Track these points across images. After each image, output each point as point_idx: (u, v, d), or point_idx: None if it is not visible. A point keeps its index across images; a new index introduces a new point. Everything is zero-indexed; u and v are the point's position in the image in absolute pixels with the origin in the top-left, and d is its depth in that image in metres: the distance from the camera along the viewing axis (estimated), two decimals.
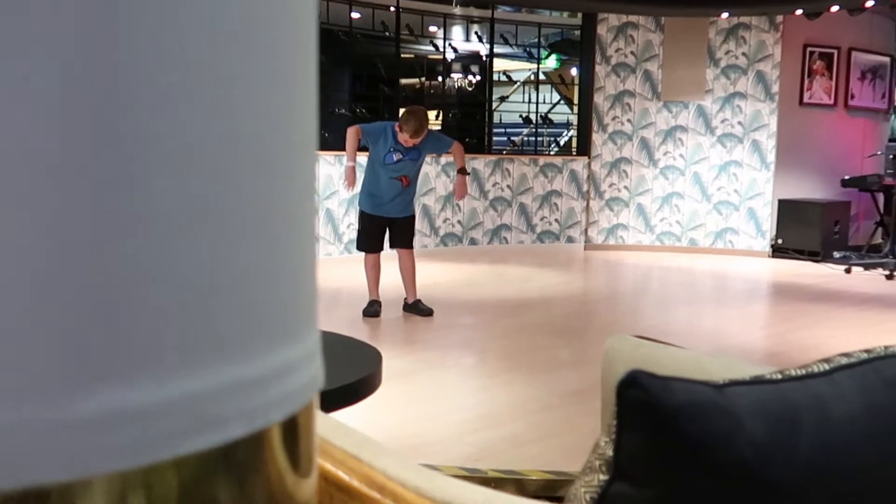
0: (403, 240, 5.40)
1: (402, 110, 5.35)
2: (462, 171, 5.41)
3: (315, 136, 0.42)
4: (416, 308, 5.49)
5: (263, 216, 0.38)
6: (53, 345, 0.32)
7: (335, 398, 1.52)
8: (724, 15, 8.62)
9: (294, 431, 0.41)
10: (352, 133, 5.26)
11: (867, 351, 0.88)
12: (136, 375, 0.34)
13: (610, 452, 0.72)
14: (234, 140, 0.36)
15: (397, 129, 5.14)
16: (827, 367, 0.83)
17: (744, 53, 8.86)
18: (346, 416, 1.80)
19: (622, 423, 0.69)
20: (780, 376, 0.80)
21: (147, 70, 0.32)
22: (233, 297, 0.37)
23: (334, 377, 1.63)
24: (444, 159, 8.35)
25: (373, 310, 5.33)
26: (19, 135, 0.30)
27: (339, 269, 7.17)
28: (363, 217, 5.34)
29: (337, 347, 1.92)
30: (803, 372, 0.81)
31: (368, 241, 5.33)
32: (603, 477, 0.72)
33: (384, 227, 5.32)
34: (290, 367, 0.40)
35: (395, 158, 5.18)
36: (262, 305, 0.39)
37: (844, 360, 0.85)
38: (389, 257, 5.57)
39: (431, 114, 11.53)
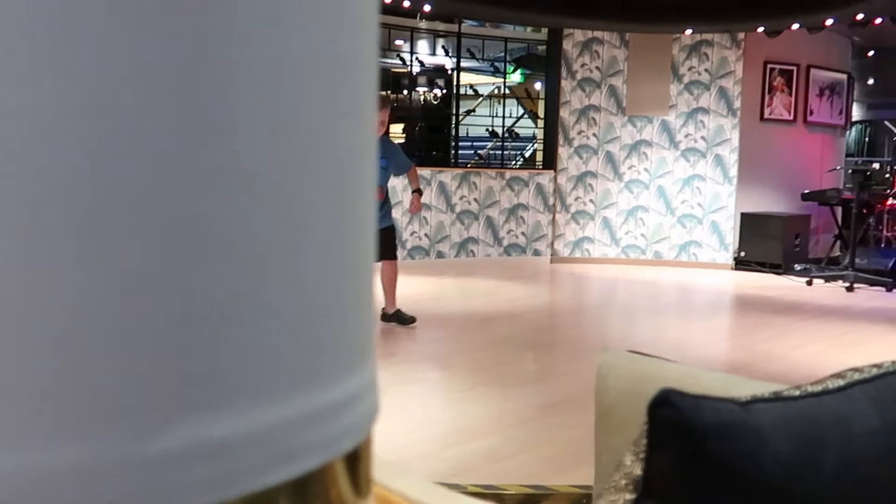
0: (384, 251, 5.41)
1: None
2: (417, 191, 5.58)
3: (374, 167, 0.41)
4: (397, 318, 5.48)
5: (338, 245, 0.37)
6: (133, 377, 0.30)
7: None
8: (688, 32, 8.75)
9: (357, 457, 0.40)
10: None
11: (877, 366, 0.89)
12: (216, 409, 0.32)
13: (637, 471, 0.70)
14: (317, 174, 0.35)
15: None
16: (841, 382, 0.83)
17: (706, 69, 8.99)
18: None
19: (653, 443, 0.68)
20: (797, 392, 0.80)
21: (248, 110, 0.31)
22: (308, 327, 0.36)
23: None
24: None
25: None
26: (123, 171, 0.28)
27: None
28: None
29: None
30: (820, 388, 0.81)
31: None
32: (629, 496, 0.71)
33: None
34: (358, 395, 0.39)
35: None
36: (334, 334, 0.37)
37: (857, 376, 0.85)
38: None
39: (397, 127, 11.53)
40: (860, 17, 7.60)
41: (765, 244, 8.79)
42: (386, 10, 8.34)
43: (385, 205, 5.36)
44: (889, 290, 7.77)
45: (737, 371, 4.80)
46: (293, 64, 0.34)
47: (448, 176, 8.64)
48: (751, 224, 8.91)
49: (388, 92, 5.12)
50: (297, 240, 0.35)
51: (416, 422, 3.52)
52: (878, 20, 7.87)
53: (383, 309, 5.54)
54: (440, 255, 8.65)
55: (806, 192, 9.16)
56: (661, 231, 9.14)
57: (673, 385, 1.31)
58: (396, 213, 8.04)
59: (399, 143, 11.40)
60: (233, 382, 0.33)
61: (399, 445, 3.18)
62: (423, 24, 9.31)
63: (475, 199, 8.80)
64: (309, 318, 0.35)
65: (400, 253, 8.27)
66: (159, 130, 0.29)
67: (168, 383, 0.31)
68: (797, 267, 8.74)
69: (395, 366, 4.62)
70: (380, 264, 5.44)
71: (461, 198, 8.72)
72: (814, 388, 0.83)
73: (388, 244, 5.43)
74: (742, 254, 8.96)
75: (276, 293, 0.34)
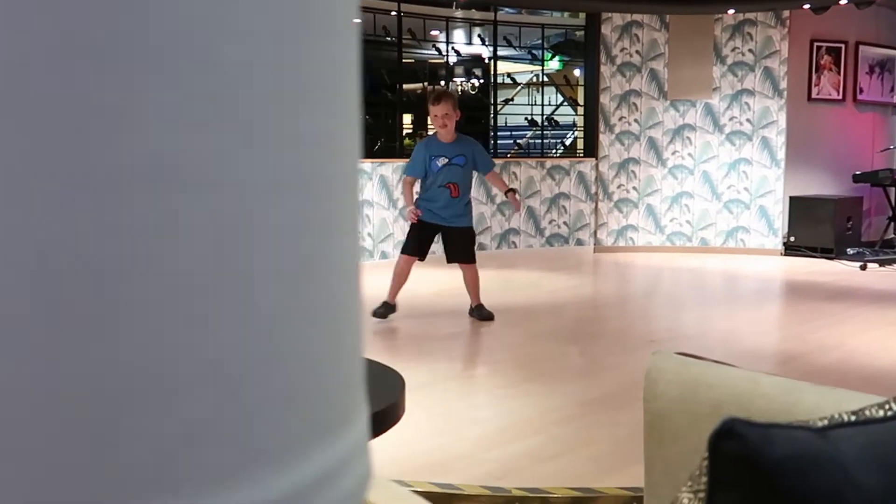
0: (462, 255, 5.36)
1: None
2: (511, 190, 5.52)
3: (357, 205, 0.35)
4: (477, 312, 5.45)
5: (300, 286, 0.29)
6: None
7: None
8: (730, 11, 8.51)
9: None
10: (405, 184, 5.38)
11: None
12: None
13: None
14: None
15: (431, 119, 5.19)
16: None
17: (750, 50, 8.75)
18: None
19: (716, 481, 0.58)
20: (882, 413, 0.69)
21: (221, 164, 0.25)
22: (254, 395, 0.27)
23: None
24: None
25: (380, 311, 5.25)
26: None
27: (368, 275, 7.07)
28: (414, 224, 5.30)
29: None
30: None
31: (411, 243, 5.31)
32: None
33: (432, 235, 5.29)
34: (339, 467, 0.30)
35: (439, 164, 5.19)
36: (298, 397, 0.29)
37: None
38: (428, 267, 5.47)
39: None
40: None
41: (815, 228, 8.53)
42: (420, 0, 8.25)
43: (459, 204, 5.27)
44: None
45: (789, 363, 4.63)
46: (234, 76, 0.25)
47: None
48: (800, 208, 8.66)
49: (440, 86, 5.07)
50: (241, 284, 0.26)
51: (457, 421, 3.44)
52: None
53: (470, 304, 5.49)
54: (481, 247, 8.54)
55: (857, 173, 8.87)
56: (707, 217, 8.93)
57: (727, 392, 1.21)
58: None
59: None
60: (176, 472, 0.25)
61: (443, 445, 3.11)
62: (459, 14, 9.20)
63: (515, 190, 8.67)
64: (257, 384, 0.27)
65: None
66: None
67: (91, 475, 0.22)
68: (850, 251, 8.47)
69: (434, 362, 4.55)
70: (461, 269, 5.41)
71: None
72: None
73: (464, 247, 5.37)
74: (792, 239, 8.71)
75: (215, 356, 0.25)
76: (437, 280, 6.19)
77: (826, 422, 0.64)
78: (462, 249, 5.35)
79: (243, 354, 0.26)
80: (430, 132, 5.33)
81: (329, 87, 0.30)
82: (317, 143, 0.30)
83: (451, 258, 5.41)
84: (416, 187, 5.40)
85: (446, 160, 5.20)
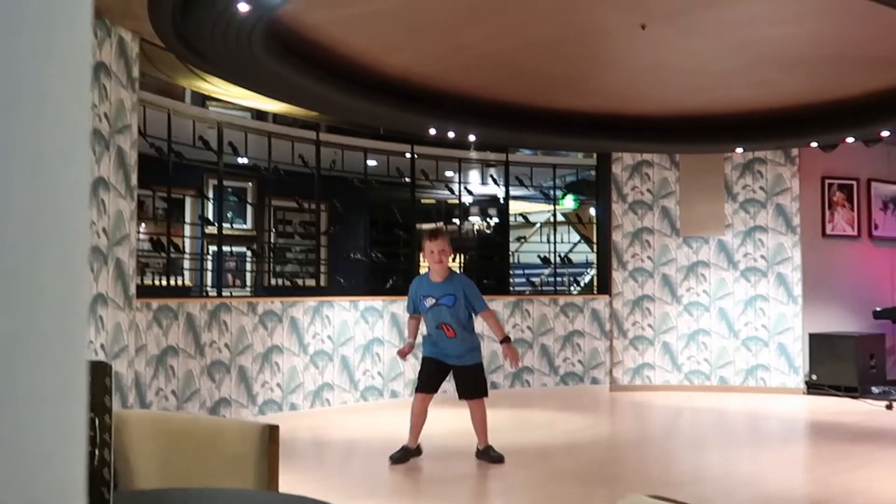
0: (467, 391, 5.28)
1: (421, 257, 5.38)
2: (506, 340, 5.33)
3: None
4: (485, 455, 5.30)
5: None
6: None
7: None
8: (738, 150, 8.64)
9: None
10: (409, 321, 5.38)
11: None
12: None
13: None
14: None
15: (426, 256, 5.15)
16: None
17: (761, 187, 8.82)
18: None
19: None
20: None
21: None
22: None
23: None
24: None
25: (398, 455, 5.12)
26: None
27: (354, 417, 6.93)
28: (422, 360, 5.29)
29: None
30: None
31: (422, 380, 5.24)
32: None
33: (438, 369, 5.20)
34: None
35: (427, 305, 5.13)
36: None
37: None
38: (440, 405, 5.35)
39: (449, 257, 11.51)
40: None
41: (838, 366, 8.32)
42: (434, 142, 8.46)
43: (463, 341, 5.20)
44: None
45: None
46: None
47: (500, 304, 8.49)
48: (821, 345, 8.48)
49: (441, 224, 5.10)
50: None
51: None
52: None
53: (477, 445, 5.34)
54: (494, 385, 8.40)
55: (878, 309, 8.73)
56: (726, 355, 8.76)
57: None
58: None
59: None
60: None
61: None
62: (474, 155, 9.41)
63: (528, 327, 8.60)
64: None
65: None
66: None
67: None
68: (875, 390, 8.22)
69: None
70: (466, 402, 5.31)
71: (514, 326, 8.53)
72: None
73: (470, 383, 5.28)
74: (814, 377, 8.48)
75: None
76: (449, 419, 6.03)
77: None
78: (467, 386, 5.25)
79: None
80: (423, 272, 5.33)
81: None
82: None
83: (460, 394, 5.31)
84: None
85: (433, 301, 5.13)
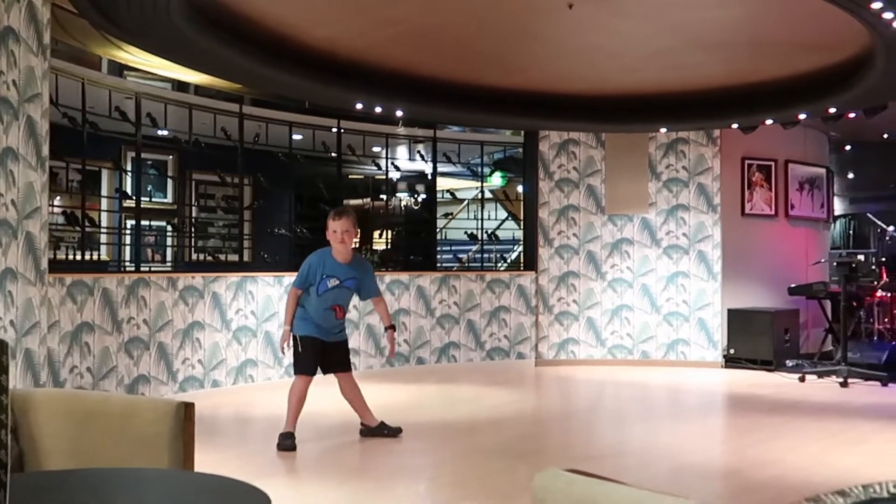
0: (342, 365, 5.17)
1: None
2: (391, 327, 5.21)
3: None
4: (380, 430, 5.22)
5: None
6: None
7: None
8: (662, 130, 8.78)
9: None
10: (291, 296, 5.09)
11: (866, 486, 0.69)
12: None
13: None
14: None
15: (329, 235, 5.00)
16: None
17: (684, 167, 8.99)
18: None
19: None
20: None
21: None
22: None
23: None
24: (388, 277, 8.18)
25: (289, 443, 4.88)
26: None
27: (278, 393, 6.83)
28: (303, 341, 5.02)
29: (219, 496, 1.66)
30: None
31: (305, 362, 5.02)
32: None
33: (321, 349, 5.07)
34: None
35: (329, 285, 4.98)
36: None
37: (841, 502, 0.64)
38: (320, 383, 5.30)
39: (376, 233, 11.46)
40: (832, 110, 7.62)
41: (754, 340, 8.58)
42: (361, 117, 8.36)
43: (340, 323, 5.16)
44: (884, 384, 7.52)
45: (729, 478, 4.52)
46: None
47: (427, 280, 8.48)
48: (738, 320, 8.73)
49: (350, 202, 4.91)
50: None
51: None
52: (852, 114, 7.90)
53: (363, 424, 5.26)
54: (420, 361, 8.40)
55: (792, 286, 9.01)
56: (648, 330, 8.94)
57: None
58: (374, 320, 7.84)
59: (381, 249, 11.35)
60: None
61: None
62: (401, 130, 9.33)
63: (455, 303, 8.62)
64: None
65: (378, 360, 8.04)
66: None
67: None
68: (789, 363, 8.51)
69: (367, 480, 4.34)
70: (338, 379, 5.18)
71: (441, 301, 8.53)
72: None
73: (345, 356, 5.21)
74: (731, 351, 8.73)
75: None
76: (371, 396, 5.98)
77: None
78: (342, 359, 5.15)
79: None
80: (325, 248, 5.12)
81: None
82: None
83: (329, 369, 5.14)
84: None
85: (337, 282, 5.00)
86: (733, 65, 7.00)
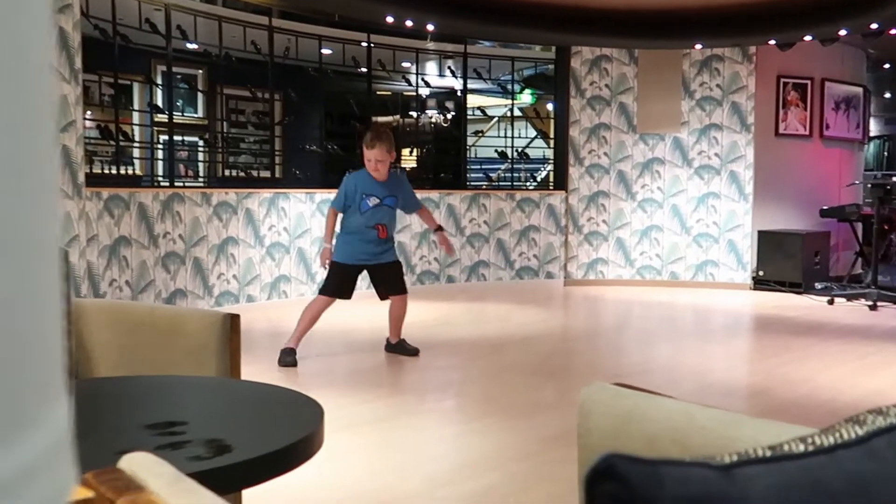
0: (397, 287, 5.15)
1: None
2: (439, 228, 5.29)
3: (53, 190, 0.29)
4: (401, 348, 5.29)
5: None
6: None
7: (265, 465, 1.32)
8: (697, 46, 8.57)
9: None
10: (331, 215, 5.10)
11: None
12: None
13: None
14: None
15: (368, 162, 4.98)
16: (860, 431, 0.64)
17: (718, 85, 8.81)
18: (303, 470, 1.60)
19: None
20: (803, 448, 0.61)
21: None
22: None
23: (267, 440, 1.42)
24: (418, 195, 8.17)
25: (289, 359, 4.93)
26: None
27: None
28: (335, 266, 5.03)
29: (272, 404, 1.71)
30: (832, 441, 0.63)
31: (334, 286, 5.02)
32: None
33: (356, 275, 5.10)
34: (25, 472, 0.25)
35: (370, 204, 4.98)
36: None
37: (880, 421, 0.66)
38: (356, 301, 5.38)
39: (406, 151, 11.42)
40: (874, 26, 7.39)
41: (784, 263, 8.54)
42: (391, 31, 8.24)
43: (389, 241, 5.16)
44: None
45: (756, 397, 4.57)
46: None
47: (457, 198, 8.48)
48: (768, 242, 8.67)
49: (384, 124, 4.78)
50: None
51: (412, 457, 3.33)
52: (893, 31, 7.66)
53: (387, 339, 5.36)
54: (450, 279, 8.48)
55: (824, 208, 8.92)
56: (677, 251, 8.92)
57: (662, 426, 1.12)
58: (405, 237, 7.88)
59: (410, 167, 11.31)
60: None
61: (392, 483, 2.99)
62: (431, 46, 9.20)
63: (485, 222, 8.63)
64: None
65: (409, 278, 8.10)
66: None
67: None
68: (818, 286, 8.48)
69: (397, 395, 4.44)
70: (390, 299, 5.24)
71: (471, 220, 8.55)
72: (824, 438, 0.64)
73: (399, 279, 5.22)
74: (760, 273, 8.71)
75: None
76: (409, 311, 6.06)
77: (734, 457, 0.56)
78: (396, 281, 5.16)
79: None
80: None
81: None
82: None
83: (386, 293, 5.16)
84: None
85: (377, 200, 4.99)
86: None
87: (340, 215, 5.09)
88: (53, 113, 0.31)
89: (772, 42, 8.19)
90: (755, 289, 8.69)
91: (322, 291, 5.10)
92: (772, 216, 8.89)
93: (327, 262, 5.06)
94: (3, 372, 0.25)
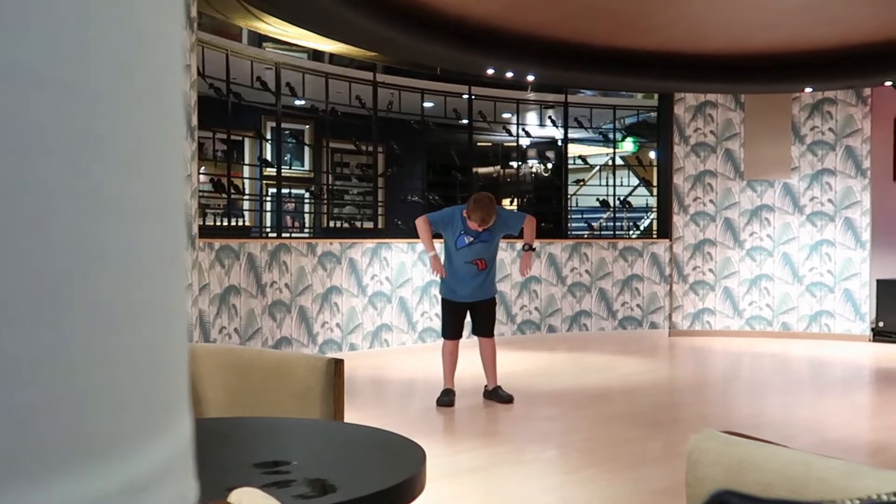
0: (484, 327, 5.29)
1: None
2: (528, 248, 5.37)
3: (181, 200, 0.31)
4: (495, 395, 5.30)
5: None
6: None
7: None
8: (807, 90, 8.35)
9: None
10: (421, 224, 5.23)
11: None
12: None
13: None
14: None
15: (465, 214, 5.06)
16: None
17: (830, 129, 8.53)
18: None
19: None
20: None
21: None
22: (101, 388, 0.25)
23: (370, 481, 1.43)
24: (519, 244, 8.18)
25: (447, 399, 5.18)
26: None
27: (412, 358, 7.00)
28: (443, 304, 5.32)
29: (375, 447, 1.72)
30: None
31: (446, 327, 5.28)
32: None
33: (464, 313, 5.23)
34: (151, 479, 0.27)
35: (466, 241, 5.11)
36: (134, 397, 0.26)
37: None
38: (469, 346, 5.38)
39: (506, 201, 11.46)
40: None
41: None
42: (491, 82, 8.35)
43: (486, 276, 5.20)
44: None
45: (879, 454, 4.32)
46: None
47: (558, 248, 8.43)
48: (889, 291, 8.25)
49: (485, 195, 4.88)
50: None
51: None
52: None
53: (485, 386, 5.36)
54: (551, 329, 8.39)
55: None
56: (789, 301, 8.59)
57: (778, 476, 1.07)
58: (505, 287, 7.87)
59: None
60: None
61: None
62: (532, 96, 9.26)
63: (587, 271, 8.54)
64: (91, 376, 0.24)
65: (510, 327, 8.09)
66: None
67: None
68: None
69: (498, 445, 4.40)
70: (478, 341, 5.29)
71: (572, 269, 8.47)
72: None
73: (488, 320, 5.30)
74: (881, 324, 8.28)
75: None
76: (503, 362, 6.03)
77: (856, 502, 0.53)
78: (485, 322, 5.26)
79: (80, 344, 0.24)
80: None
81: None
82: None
83: (475, 331, 5.31)
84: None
85: (472, 239, 5.12)
86: (886, 16, 6.56)
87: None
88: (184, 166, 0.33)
89: (888, 83, 7.90)
90: (874, 340, 8.27)
91: (442, 335, 5.31)
92: (891, 264, 8.48)
93: (438, 274, 5.22)
94: (142, 380, 0.27)
